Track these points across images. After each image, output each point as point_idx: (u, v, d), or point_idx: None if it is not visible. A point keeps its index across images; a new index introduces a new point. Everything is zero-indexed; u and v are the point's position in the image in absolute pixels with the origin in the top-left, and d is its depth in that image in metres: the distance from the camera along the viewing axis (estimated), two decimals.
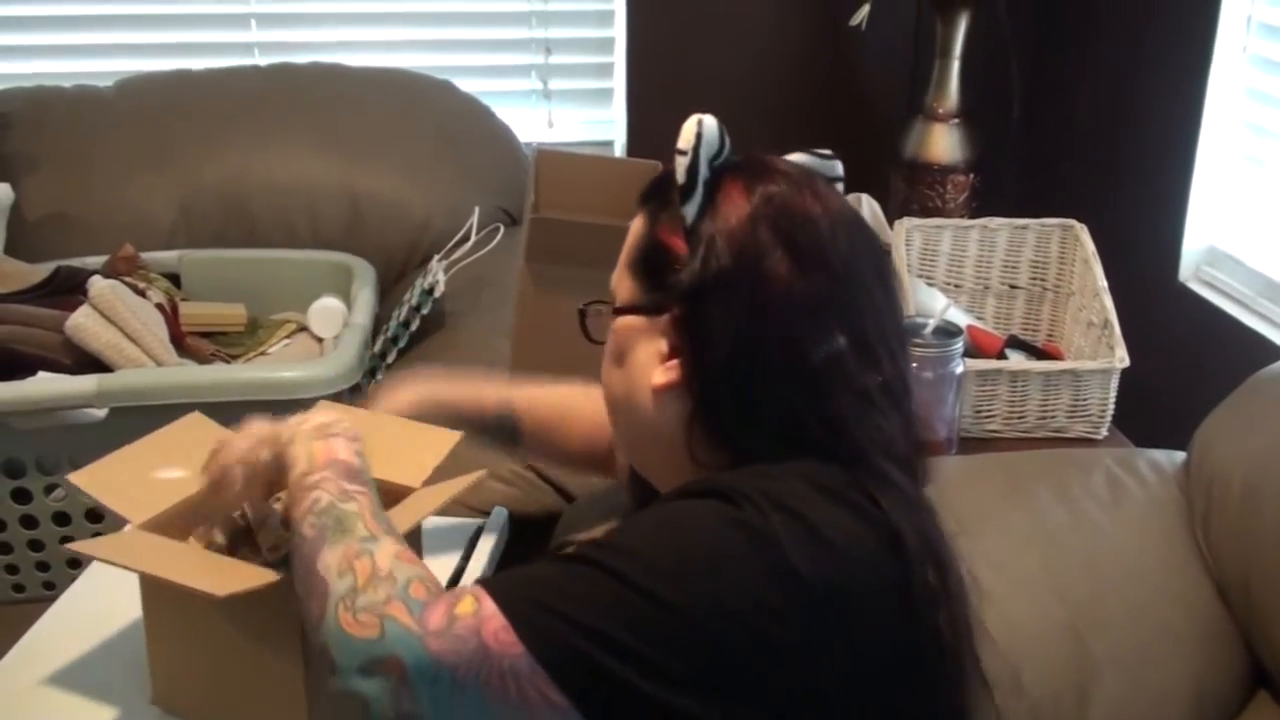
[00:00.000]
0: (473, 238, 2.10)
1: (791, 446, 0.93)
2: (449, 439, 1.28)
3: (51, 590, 1.85)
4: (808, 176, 1.01)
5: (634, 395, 1.01)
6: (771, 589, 0.85)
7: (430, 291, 2.02)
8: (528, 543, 1.57)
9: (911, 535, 0.90)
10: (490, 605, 0.84)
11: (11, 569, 1.85)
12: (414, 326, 2.04)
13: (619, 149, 2.84)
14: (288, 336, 2.15)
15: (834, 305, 0.95)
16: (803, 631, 0.85)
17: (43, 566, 1.85)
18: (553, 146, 2.65)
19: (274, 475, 1.06)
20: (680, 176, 0.96)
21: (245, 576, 1.03)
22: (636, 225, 1.03)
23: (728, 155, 1.00)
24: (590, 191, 1.93)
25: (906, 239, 2.06)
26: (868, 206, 2.18)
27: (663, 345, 0.98)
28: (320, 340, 2.13)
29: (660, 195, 1.01)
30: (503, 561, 1.51)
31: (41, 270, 2.06)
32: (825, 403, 0.94)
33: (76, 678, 1.30)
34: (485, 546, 1.49)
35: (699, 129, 0.96)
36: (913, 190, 2.55)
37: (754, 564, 0.85)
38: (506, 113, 2.67)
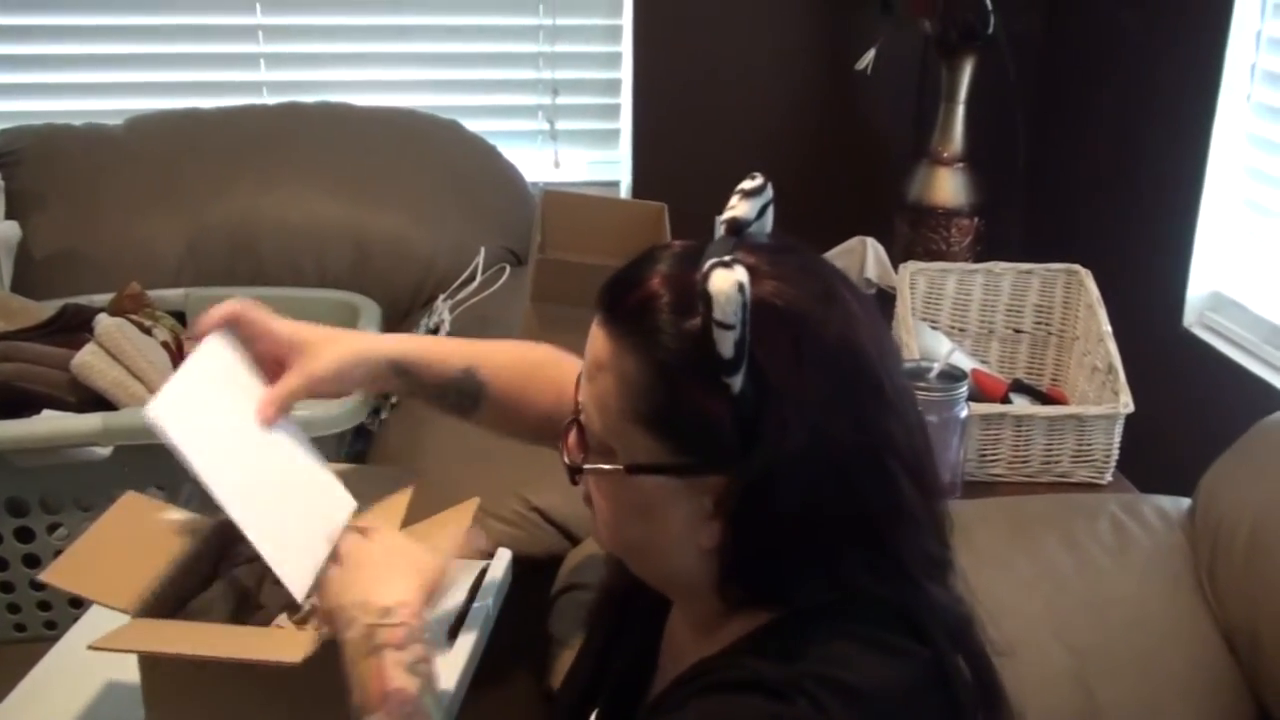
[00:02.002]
0: (478, 277, 2.11)
1: (837, 588, 0.88)
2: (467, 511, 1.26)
3: (53, 629, 1.84)
4: (826, 284, 0.89)
5: (667, 550, 0.92)
6: None
7: (435, 331, 2.02)
8: (531, 584, 1.57)
9: (961, 672, 0.88)
10: None
11: (14, 608, 1.84)
12: None
13: (625, 189, 2.86)
14: None
15: (894, 446, 0.87)
16: None
17: (44, 606, 1.85)
18: (559, 187, 2.67)
19: None
20: (727, 352, 0.82)
21: (297, 639, 1.03)
22: (625, 367, 0.88)
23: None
24: (596, 232, 1.94)
25: (911, 282, 2.06)
26: (872, 250, 2.19)
27: (706, 503, 0.87)
28: None
29: (653, 334, 0.86)
30: (507, 603, 1.50)
31: (48, 308, 2.06)
32: (886, 548, 0.88)
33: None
34: (490, 588, 1.49)
35: (743, 297, 0.81)
36: (917, 234, 2.56)
37: None
38: (513, 153, 2.69)
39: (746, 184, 0.94)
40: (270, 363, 1.17)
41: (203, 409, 1.09)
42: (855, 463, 0.86)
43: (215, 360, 1.14)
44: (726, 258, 0.82)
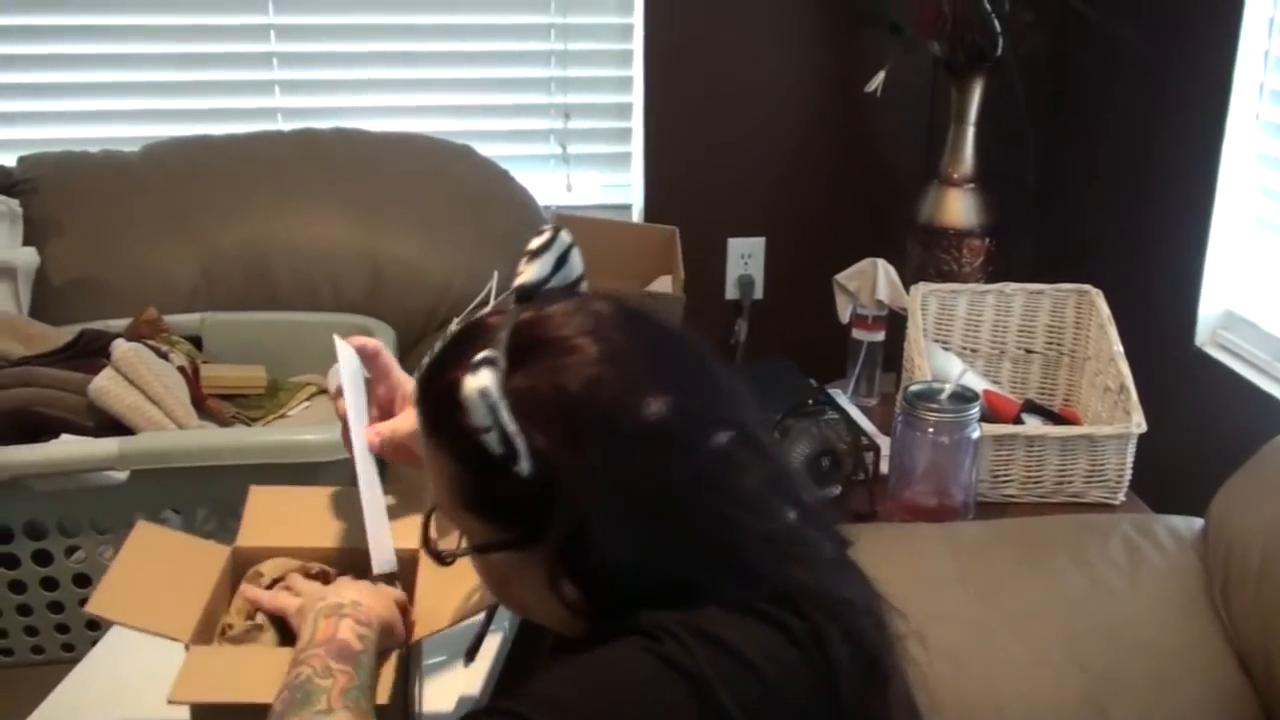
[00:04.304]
0: (492, 300, 2.12)
1: (695, 594, 0.91)
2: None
3: (71, 652, 1.86)
4: (598, 342, 0.91)
5: (539, 610, 0.97)
6: None
7: None
8: None
9: (836, 637, 0.89)
10: None
11: (31, 630, 1.86)
12: None
13: (636, 213, 2.87)
14: (308, 399, 2.16)
15: (709, 485, 0.91)
16: None
17: (62, 629, 1.86)
18: (571, 210, 2.68)
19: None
20: (495, 449, 0.88)
21: (382, 679, 1.07)
22: (441, 461, 0.94)
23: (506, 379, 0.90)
24: (608, 256, 1.95)
25: (923, 303, 2.07)
26: (883, 272, 2.20)
27: (542, 574, 0.93)
28: None
29: (450, 432, 0.91)
30: (523, 627, 1.51)
31: (66, 333, 2.08)
32: (742, 563, 0.91)
33: None
34: (506, 612, 1.49)
35: (487, 401, 0.87)
36: (928, 254, 2.57)
37: (684, 706, 0.84)
38: (525, 177, 2.70)
39: (533, 243, 0.99)
40: (381, 402, 1.28)
41: (354, 387, 1.20)
42: (664, 505, 0.90)
43: (352, 364, 1.25)
44: (477, 358, 0.87)
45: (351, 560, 1.23)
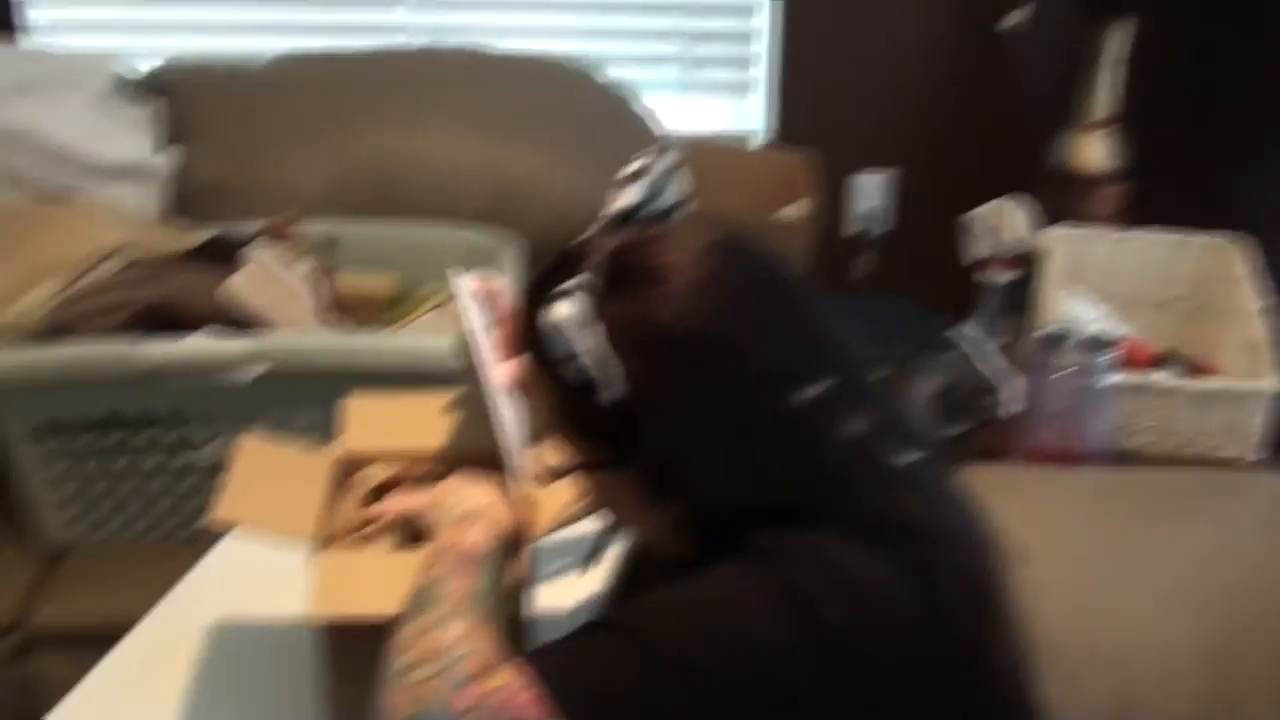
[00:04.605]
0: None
1: (803, 517, 0.91)
2: None
3: (201, 539, 1.91)
4: (689, 269, 0.90)
5: (646, 529, 1.00)
6: (805, 649, 0.84)
7: None
8: None
9: (946, 570, 0.89)
10: (524, 678, 0.85)
11: (166, 516, 1.91)
12: None
13: (760, 141, 2.84)
14: (432, 310, 2.18)
15: (786, 400, 0.90)
16: (837, 689, 0.84)
17: (195, 515, 1.91)
18: (695, 137, 2.66)
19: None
20: (580, 377, 0.90)
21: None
22: (539, 383, 0.96)
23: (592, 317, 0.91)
24: (739, 183, 1.93)
25: (1057, 248, 2.03)
26: (1017, 214, 2.15)
27: (640, 494, 0.94)
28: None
29: (547, 356, 0.93)
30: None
31: (201, 235, 2.12)
32: (822, 481, 0.91)
33: (230, 624, 1.35)
34: None
35: (567, 331, 0.89)
36: (1061, 198, 2.51)
37: (786, 624, 0.84)
38: (650, 101, 2.68)
39: (629, 167, 0.99)
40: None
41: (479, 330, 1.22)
42: (755, 443, 0.90)
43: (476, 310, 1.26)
44: (563, 286, 0.89)
45: (456, 465, 1.24)
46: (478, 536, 1.05)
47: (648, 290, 0.89)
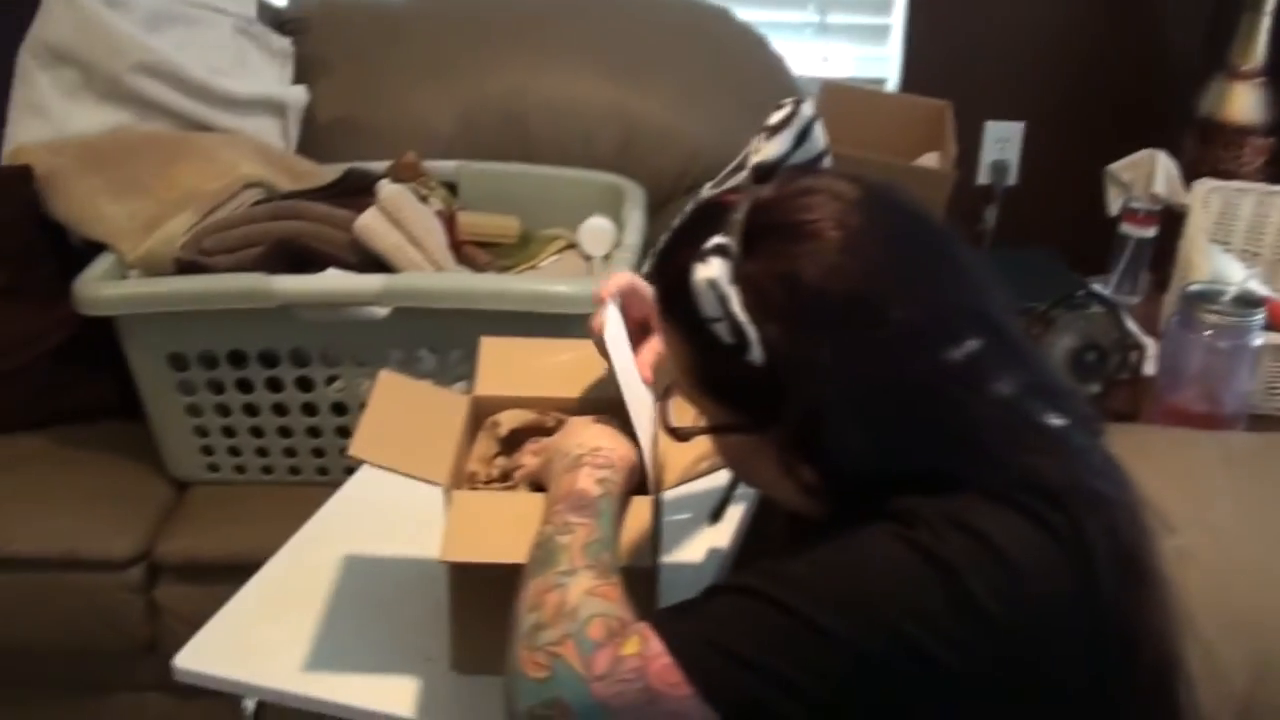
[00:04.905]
0: (748, 168, 2.09)
1: (947, 482, 0.88)
2: None
3: (325, 475, 1.94)
4: (839, 227, 0.88)
5: (778, 492, 0.97)
6: (950, 618, 0.81)
7: None
8: None
9: (1095, 532, 0.85)
10: (657, 645, 0.83)
11: (290, 452, 1.94)
12: None
13: (891, 87, 2.78)
14: (557, 253, 2.18)
15: (943, 372, 0.87)
16: (982, 660, 0.82)
17: (319, 453, 1.94)
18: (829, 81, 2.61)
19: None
20: (725, 338, 0.87)
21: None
22: (676, 341, 0.94)
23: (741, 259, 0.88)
24: (877, 128, 1.89)
25: (1204, 202, 1.96)
26: (1162, 165, 2.08)
27: (777, 459, 0.92)
28: (588, 259, 2.16)
29: (684, 315, 0.90)
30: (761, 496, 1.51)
31: (331, 171, 2.14)
32: (967, 446, 0.88)
33: (361, 561, 1.37)
34: None
35: (716, 291, 0.86)
36: (1206, 151, 2.41)
37: (931, 593, 0.82)
38: (782, 44, 2.63)
39: (773, 117, 0.96)
40: (637, 325, 1.25)
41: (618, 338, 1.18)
42: (902, 404, 0.87)
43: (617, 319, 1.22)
44: (709, 245, 0.86)
45: (590, 410, 1.23)
46: (585, 481, 1.03)
47: (795, 247, 0.87)
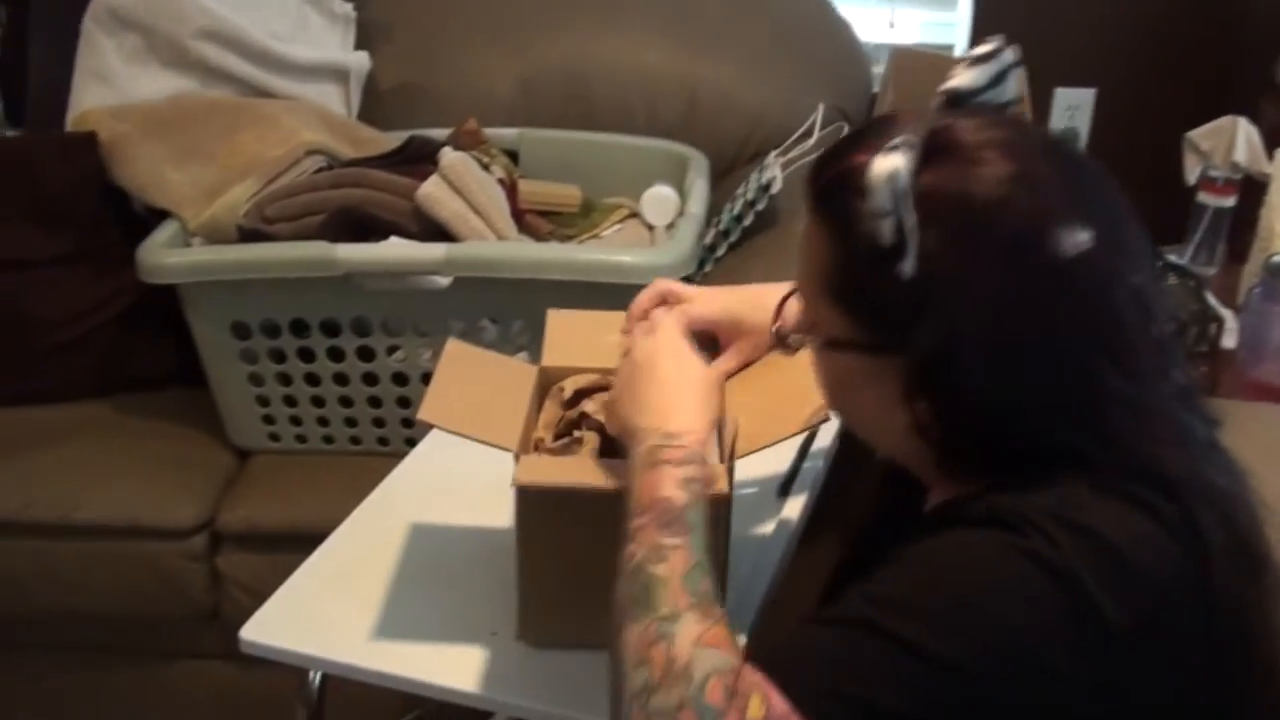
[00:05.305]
0: (815, 135, 2.05)
1: (1058, 461, 0.85)
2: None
3: (386, 445, 1.93)
4: (1020, 161, 0.85)
5: (871, 426, 0.95)
6: (1073, 627, 0.78)
7: (767, 188, 1.98)
8: (849, 454, 1.54)
9: (1210, 524, 0.82)
10: (780, 704, 0.79)
11: (351, 422, 1.93)
12: (747, 221, 2.00)
13: (959, 53, 2.72)
14: (619, 222, 2.15)
15: (1088, 333, 0.85)
16: (1105, 669, 0.78)
17: (379, 423, 1.93)
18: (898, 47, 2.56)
19: None
20: (886, 239, 0.84)
21: None
22: (820, 242, 0.90)
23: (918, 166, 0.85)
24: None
25: None
26: (1244, 132, 2.02)
27: (894, 387, 0.88)
28: (651, 228, 2.13)
29: (840, 214, 0.87)
30: (831, 468, 1.48)
31: (393, 138, 2.12)
32: (1093, 426, 0.84)
33: (426, 533, 1.36)
34: (820, 451, 1.47)
35: (895, 184, 0.83)
36: None
37: (1051, 603, 0.78)
38: (848, 11, 2.59)
39: (977, 50, 0.92)
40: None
41: None
42: (1040, 350, 0.84)
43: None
44: (894, 141, 0.83)
45: None
46: (669, 487, 0.96)
47: (973, 169, 0.84)
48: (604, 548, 1.04)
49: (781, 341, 1.00)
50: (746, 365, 1.23)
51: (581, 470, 1.12)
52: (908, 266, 0.84)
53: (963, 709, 0.78)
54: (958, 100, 0.91)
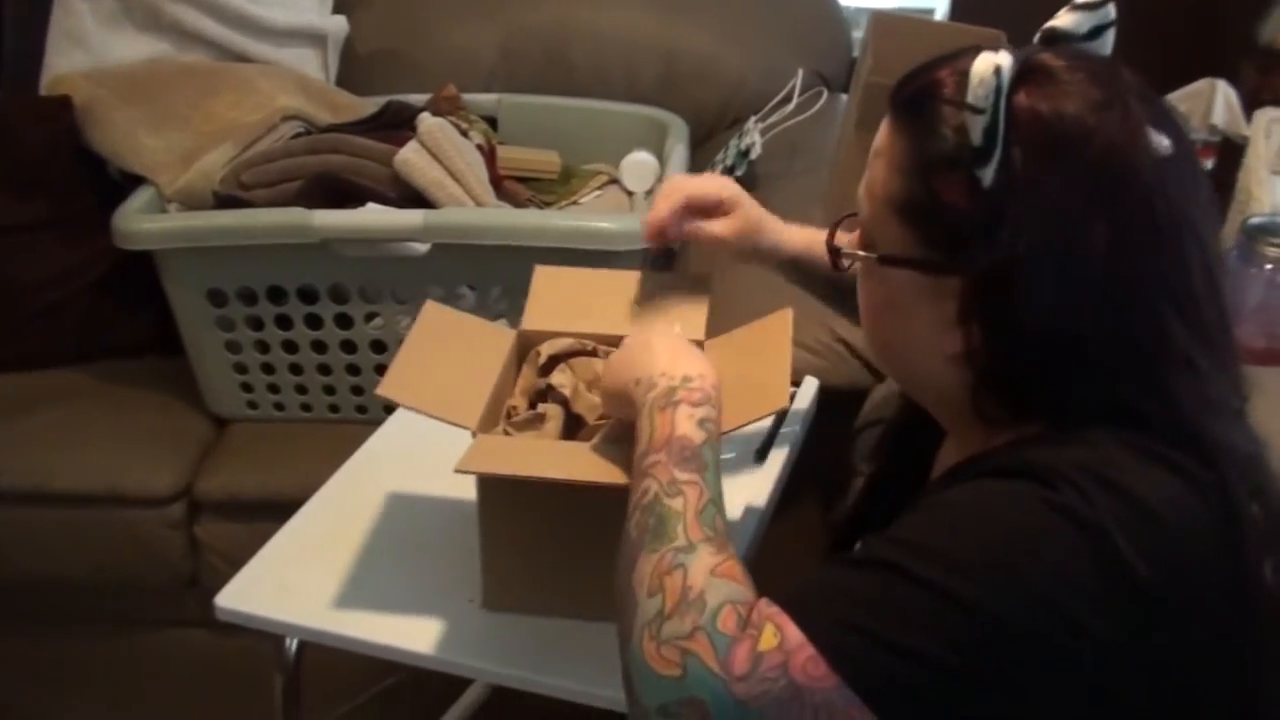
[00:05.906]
0: (794, 100, 2.04)
1: (1098, 410, 0.85)
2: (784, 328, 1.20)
3: (364, 414, 1.93)
4: (1111, 94, 0.85)
5: (913, 353, 0.94)
6: (1100, 583, 0.77)
7: (746, 153, 1.97)
8: (831, 415, 1.54)
9: (1243, 492, 0.82)
10: (795, 635, 0.78)
11: (329, 390, 1.93)
12: None
13: (940, 17, 2.71)
14: (599, 188, 2.14)
15: (1158, 275, 0.85)
16: (1134, 625, 0.78)
17: (357, 390, 1.92)
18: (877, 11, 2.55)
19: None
20: (977, 139, 0.83)
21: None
22: (897, 152, 0.90)
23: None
24: (924, 58, 1.83)
25: (1266, 132, 1.89)
26: (1222, 94, 2.02)
27: (950, 309, 0.88)
28: (630, 194, 2.12)
29: (925, 120, 0.87)
30: (810, 433, 1.48)
31: (371, 104, 2.11)
32: (1146, 376, 0.85)
33: (401, 502, 1.36)
34: (797, 415, 1.47)
35: (997, 80, 0.82)
36: (1265, 79, 2.33)
37: (1080, 558, 0.78)
38: None
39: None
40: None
41: None
42: (1106, 284, 0.84)
43: None
44: (999, 46, 0.83)
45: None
46: (685, 425, 0.94)
47: (1066, 97, 0.84)
48: (558, 527, 1.04)
49: (835, 257, 0.98)
50: (739, 234, 1.28)
51: (527, 456, 1.11)
52: (989, 175, 0.83)
53: (979, 652, 0.77)
54: (1054, 40, 0.91)
